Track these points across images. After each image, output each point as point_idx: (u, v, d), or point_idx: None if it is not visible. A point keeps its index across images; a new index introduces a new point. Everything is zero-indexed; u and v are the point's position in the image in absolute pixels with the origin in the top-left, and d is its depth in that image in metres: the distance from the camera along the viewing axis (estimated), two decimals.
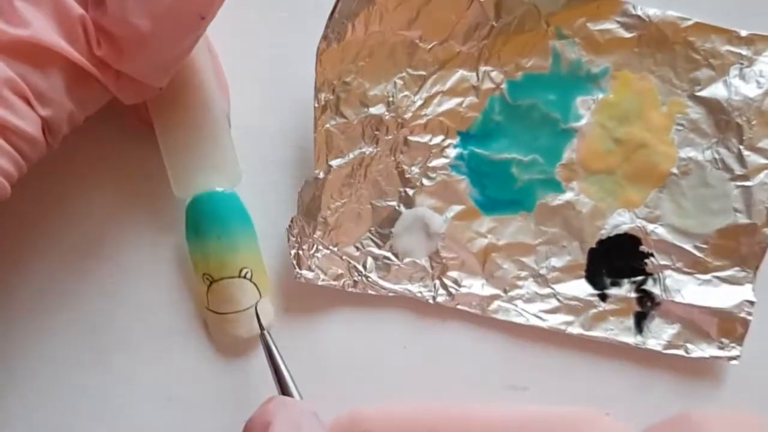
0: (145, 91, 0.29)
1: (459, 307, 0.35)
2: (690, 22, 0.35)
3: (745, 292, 0.35)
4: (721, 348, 0.34)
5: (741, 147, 0.35)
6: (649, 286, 0.35)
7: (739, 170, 0.35)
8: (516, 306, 0.35)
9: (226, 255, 0.33)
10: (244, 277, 0.33)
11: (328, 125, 0.34)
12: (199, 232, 0.33)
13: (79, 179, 0.35)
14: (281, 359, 0.31)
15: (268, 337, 0.31)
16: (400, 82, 0.34)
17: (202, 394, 0.34)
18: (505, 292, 0.35)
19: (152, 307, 0.35)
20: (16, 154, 0.25)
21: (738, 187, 0.35)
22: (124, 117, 0.33)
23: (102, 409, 0.34)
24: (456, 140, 0.35)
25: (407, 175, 0.35)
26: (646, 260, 0.35)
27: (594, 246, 0.35)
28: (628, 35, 0.35)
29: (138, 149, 0.35)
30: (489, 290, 0.35)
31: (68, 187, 0.35)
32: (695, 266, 0.35)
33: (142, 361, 0.34)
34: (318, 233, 0.34)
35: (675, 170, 0.35)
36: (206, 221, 0.33)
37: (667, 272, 0.35)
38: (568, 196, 0.35)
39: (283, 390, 0.30)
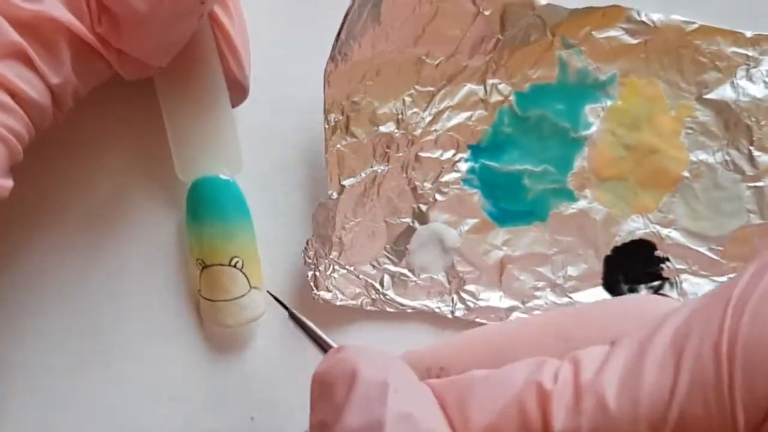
0: (146, 68, 0.29)
1: (478, 320, 0.35)
2: (695, 26, 0.35)
3: None
4: None
5: (751, 148, 0.35)
6: (666, 290, 0.35)
7: (750, 171, 0.35)
8: None
9: (218, 241, 0.33)
10: (234, 266, 0.33)
11: (338, 145, 0.34)
12: (196, 215, 0.33)
13: (83, 161, 0.35)
14: (313, 324, 0.30)
15: (296, 314, 0.30)
16: (408, 99, 0.35)
17: (203, 394, 0.34)
18: (524, 303, 0.35)
19: (154, 306, 0.35)
20: (27, 119, 0.26)
21: (750, 187, 0.35)
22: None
23: (102, 409, 0.34)
24: (467, 154, 0.35)
25: (420, 191, 0.35)
26: (662, 265, 0.35)
27: (609, 253, 0.35)
28: (633, 41, 0.35)
29: (146, 132, 0.35)
30: (507, 302, 0.35)
31: (71, 169, 0.35)
32: (711, 268, 0.35)
33: (143, 360, 0.34)
34: (334, 253, 0.34)
35: (686, 174, 0.35)
36: (204, 205, 0.33)
37: (684, 276, 0.35)
38: (582, 204, 0.35)
39: (327, 349, 0.29)
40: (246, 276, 0.34)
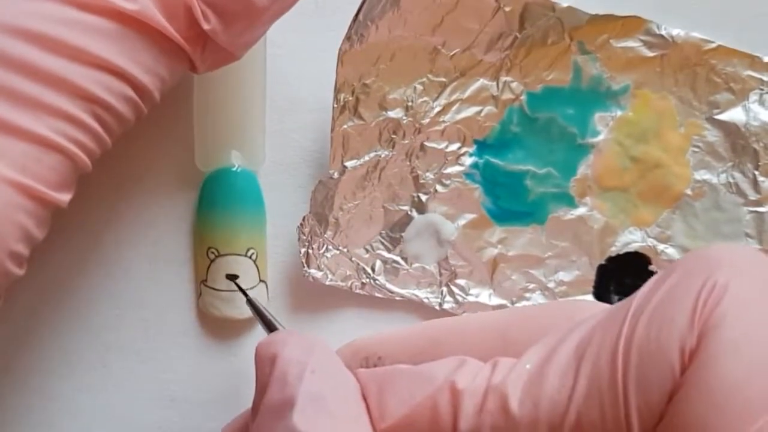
0: (221, 62, 0.30)
1: (465, 314, 0.35)
2: (713, 45, 0.35)
3: None
4: None
5: (756, 172, 0.35)
6: None
7: (752, 195, 0.35)
8: None
9: (237, 231, 0.34)
10: (249, 257, 0.34)
11: (345, 126, 0.34)
12: (215, 204, 0.34)
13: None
14: (266, 310, 0.31)
15: (254, 300, 0.31)
16: (420, 88, 0.35)
17: (203, 394, 0.34)
18: (512, 303, 0.35)
19: (154, 306, 0.35)
20: (101, 132, 0.26)
21: (751, 212, 0.35)
22: None
23: (102, 409, 0.34)
24: (472, 149, 0.35)
25: (421, 181, 0.35)
26: None
27: (603, 262, 0.35)
28: (650, 54, 0.35)
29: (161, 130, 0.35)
30: (496, 300, 0.35)
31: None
32: None
33: (143, 360, 0.34)
34: (329, 233, 0.34)
35: (689, 192, 0.35)
36: (225, 195, 0.34)
37: None
38: (581, 211, 0.35)
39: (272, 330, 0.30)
40: (258, 268, 0.34)
